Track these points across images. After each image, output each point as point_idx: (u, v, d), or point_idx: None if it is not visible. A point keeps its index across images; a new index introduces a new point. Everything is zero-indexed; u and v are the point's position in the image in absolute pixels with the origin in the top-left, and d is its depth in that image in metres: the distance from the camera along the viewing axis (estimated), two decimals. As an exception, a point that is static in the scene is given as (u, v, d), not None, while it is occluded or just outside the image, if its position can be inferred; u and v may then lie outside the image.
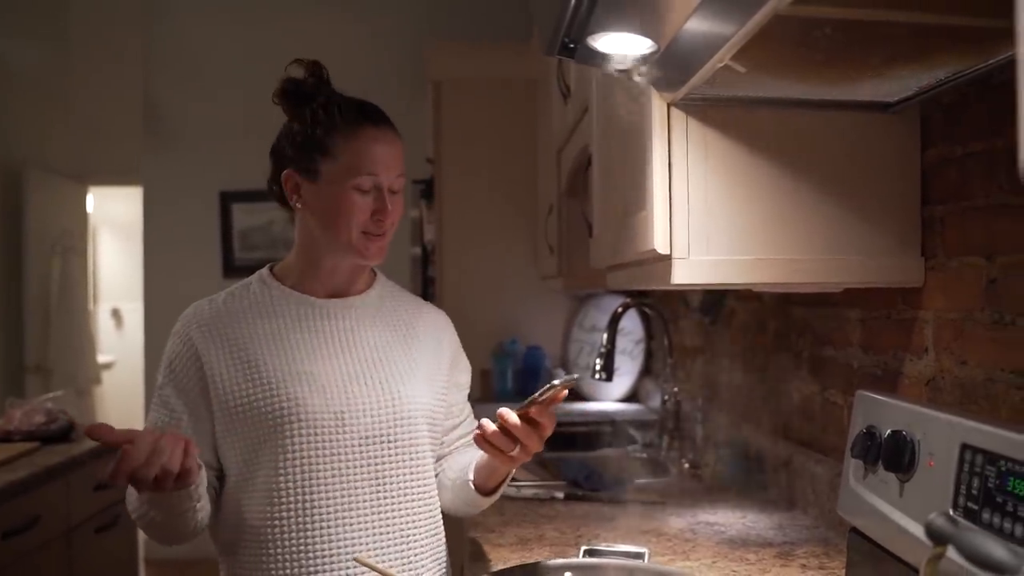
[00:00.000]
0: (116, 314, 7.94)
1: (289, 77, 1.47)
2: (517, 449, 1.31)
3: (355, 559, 1.20)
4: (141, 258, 5.29)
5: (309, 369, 1.44)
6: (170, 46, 5.10)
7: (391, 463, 1.45)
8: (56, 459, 2.68)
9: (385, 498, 1.45)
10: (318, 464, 1.41)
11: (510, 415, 1.28)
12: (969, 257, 1.31)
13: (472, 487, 1.50)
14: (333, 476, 1.41)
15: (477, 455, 1.48)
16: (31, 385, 4.97)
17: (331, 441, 1.41)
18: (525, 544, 1.68)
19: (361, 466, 1.43)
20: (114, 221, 7.73)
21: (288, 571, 1.40)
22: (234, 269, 5.10)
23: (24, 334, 5.08)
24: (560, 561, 1.35)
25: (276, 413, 1.40)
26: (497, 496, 1.54)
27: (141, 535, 4.22)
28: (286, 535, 1.40)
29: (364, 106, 1.48)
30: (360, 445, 1.43)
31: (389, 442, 1.45)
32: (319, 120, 1.44)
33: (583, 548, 1.37)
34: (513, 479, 2.11)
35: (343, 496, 1.42)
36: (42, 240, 5.23)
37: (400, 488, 1.46)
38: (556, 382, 1.24)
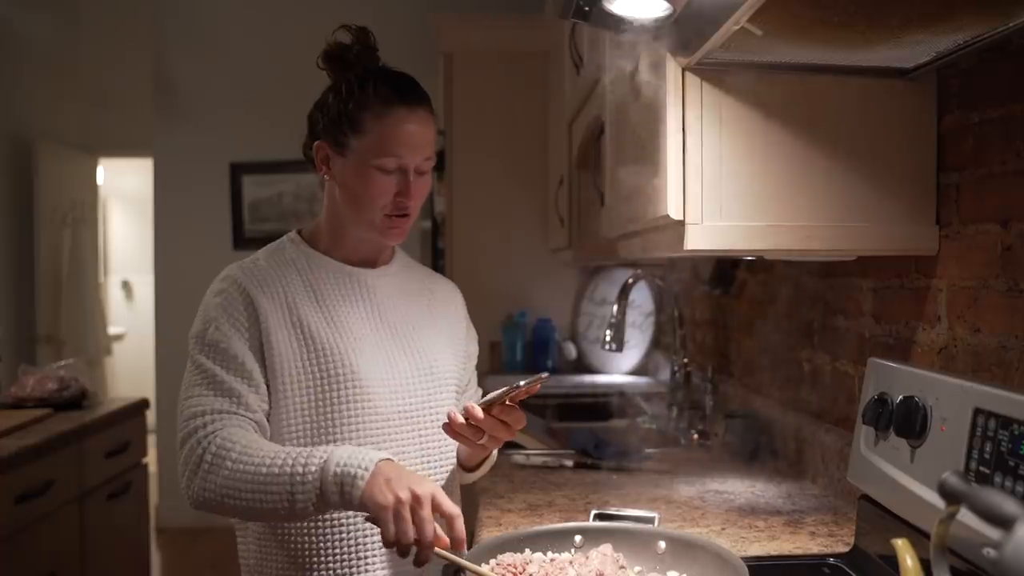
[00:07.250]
0: (127, 286, 7.99)
1: (336, 41, 1.45)
2: (485, 438, 1.32)
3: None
4: (152, 230, 5.30)
5: (357, 337, 1.43)
6: (181, 18, 5.08)
7: (431, 430, 1.46)
8: (69, 425, 2.70)
9: (429, 463, 1.47)
10: (371, 431, 1.41)
11: (476, 411, 1.28)
12: (984, 224, 1.30)
13: (456, 463, 1.53)
14: (385, 443, 1.41)
15: None
16: (42, 355, 5.00)
17: (382, 409, 1.41)
18: (535, 509, 1.69)
19: (407, 431, 1.44)
20: (125, 193, 7.76)
21: (341, 541, 1.39)
22: (244, 241, 5.10)
23: (35, 305, 5.11)
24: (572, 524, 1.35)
25: (331, 379, 1.39)
26: (481, 473, 1.56)
27: (152, 502, 4.25)
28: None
29: (401, 83, 1.44)
30: (406, 413, 1.44)
31: (429, 409, 1.46)
32: (353, 94, 1.42)
33: (593, 512, 1.38)
34: (522, 448, 2.14)
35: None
36: (53, 212, 5.24)
37: (440, 455, 1.49)
38: (522, 383, 1.25)
